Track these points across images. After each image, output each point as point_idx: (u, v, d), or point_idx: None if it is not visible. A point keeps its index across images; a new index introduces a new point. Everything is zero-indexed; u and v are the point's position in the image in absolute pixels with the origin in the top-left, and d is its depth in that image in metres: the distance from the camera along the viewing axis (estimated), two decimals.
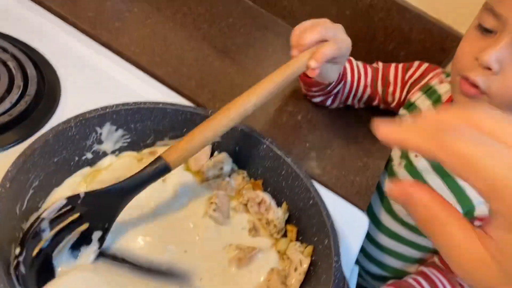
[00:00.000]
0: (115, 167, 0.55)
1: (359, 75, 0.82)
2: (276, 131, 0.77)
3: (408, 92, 0.82)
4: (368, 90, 0.84)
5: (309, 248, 0.54)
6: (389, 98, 0.85)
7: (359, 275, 0.86)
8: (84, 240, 0.46)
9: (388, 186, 0.26)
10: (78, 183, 0.52)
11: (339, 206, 0.71)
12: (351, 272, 0.65)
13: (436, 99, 0.77)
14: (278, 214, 0.56)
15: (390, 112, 0.90)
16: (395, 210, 0.78)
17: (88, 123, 0.52)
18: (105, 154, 0.56)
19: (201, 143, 0.49)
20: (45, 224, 0.43)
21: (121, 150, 0.58)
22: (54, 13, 0.77)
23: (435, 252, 0.77)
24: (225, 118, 0.50)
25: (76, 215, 0.45)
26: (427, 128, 0.25)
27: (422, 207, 0.25)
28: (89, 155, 0.54)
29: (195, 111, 0.58)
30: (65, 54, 0.72)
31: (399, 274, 0.81)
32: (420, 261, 0.80)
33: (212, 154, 0.60)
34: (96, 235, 0.47)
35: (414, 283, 0.70)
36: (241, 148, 0.61)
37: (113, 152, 0.57)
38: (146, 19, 0.85)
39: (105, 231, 0.48)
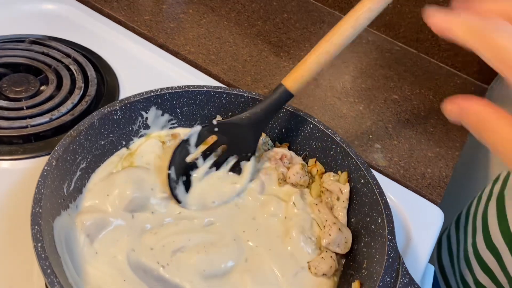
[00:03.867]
0: (142, 150, 0.54)
1: None
2: (336, 122, 0.73)
3: None
4: None
5: (344, 174, 0.53)
6: None
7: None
8: (235, 169, 0.53)
9: (446, 107, 0.28)
10: (115, 164, 0.52)
11: (409, 200, 0.65)
12: (424, 269, 0.59)
13: None
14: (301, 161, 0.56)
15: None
16: (482, 257, 0.69)
17: (133, 107, 0.52)
18: None
19: (314, 64, 0.50)
20: (191, 147, 0.51)
21: None
22: (113, 18, 0.80)
23: None
24: (337, 35, 0.49)
25: (223, 146, 0.52)
26: (473, 21, 0.27)
27: (474, 114, 0.27)
28: (136, 140, 0.55)
29: (239, 93, 0.56)
30: (124, 56, 0.74)
31: None
32: None
33: None
34: (244, 163, 0.53)
35: None
36: (287, 129, 0.58)
37: None
38: (201, 19, 0.85)
39: (249, 159, 0.53)
